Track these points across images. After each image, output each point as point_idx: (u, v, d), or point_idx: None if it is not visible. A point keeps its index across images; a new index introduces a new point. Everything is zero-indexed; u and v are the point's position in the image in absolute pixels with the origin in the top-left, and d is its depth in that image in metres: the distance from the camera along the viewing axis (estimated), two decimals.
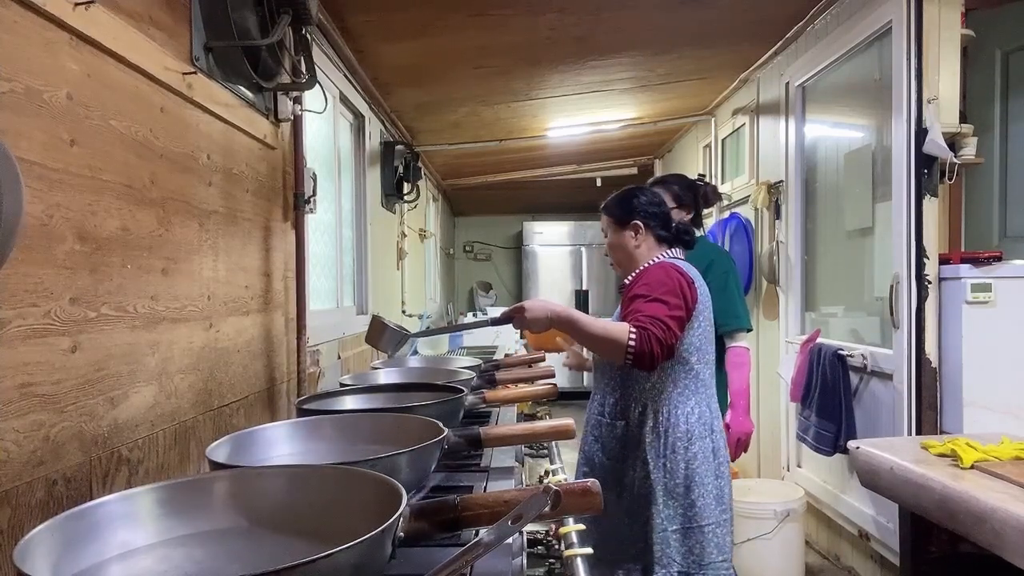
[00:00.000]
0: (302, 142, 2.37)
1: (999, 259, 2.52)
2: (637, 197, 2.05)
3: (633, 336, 1.68)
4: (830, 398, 2.94)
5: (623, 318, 1.83)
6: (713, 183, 2.16)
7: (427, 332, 2.34)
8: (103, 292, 1.30)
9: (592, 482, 0.89)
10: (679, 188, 2.73)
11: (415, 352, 3.99)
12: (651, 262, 1.99)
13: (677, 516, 1.86)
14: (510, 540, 1.01)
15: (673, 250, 2.03)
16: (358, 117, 3.68)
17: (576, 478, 1.93)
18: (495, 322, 1.87)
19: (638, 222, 2.01)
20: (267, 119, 2.16)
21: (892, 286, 2.70)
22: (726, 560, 1.89)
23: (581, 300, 8.14)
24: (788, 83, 3.68)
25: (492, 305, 8.28)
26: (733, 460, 2.27)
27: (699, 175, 2.16)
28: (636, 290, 1.84)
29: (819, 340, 3.17)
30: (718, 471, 1.90)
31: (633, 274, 1.99)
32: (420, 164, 4.81)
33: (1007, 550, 1.62)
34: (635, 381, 1.92)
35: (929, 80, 2.60)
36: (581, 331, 1.76)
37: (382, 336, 1.95)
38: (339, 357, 2.99)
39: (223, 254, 1.84)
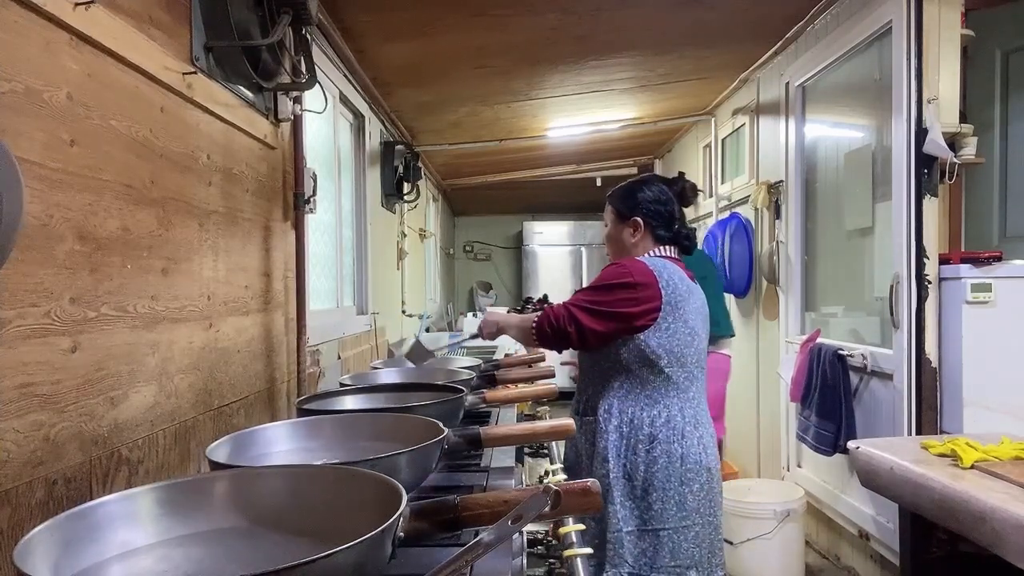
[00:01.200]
0: (302, 142, 2.37)
1: (999, 259, 2.52)
2: (643, 191, 2.01)
3: (535, 320, 1.90)
4: (830, 398, 2.94)
5: None
6: (692, 181, 2.12)
7: (452, 342, 2.71)
8: (103, 292, 1.30)
9: (592, 482, 0.89)
10: None
11: None
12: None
13: (633, 517, 1.83)
14: (510, 540, 1.01)
15: (665, 248, 1.99)
16: (358, 117, 3.68)
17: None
18: (473, 336, 2.18)
19: (638, 219, 1.99)
20: (267, 119, 2.16)
21: (892, 286, 2.70)
22: (679, 566, 1.82)
23: None
24: (788, 83, 3.68)
25: (492, 305, 8.28)
26: None
27: (679, 173, 2.11)
28: None
29: (819, 340, 3.17)
30: (684, 477, 1.84)
31: None
32: (420, 164, 4.81)
33: (1007, 550, 1.62)
34: (606, 379, 1.92)
35: (929, 80, 2.60)
36: (512, 328, 2.02)
37: (418, 354, 2.34)
38: (339, 357, 2.99)
39: (223, 254, 1.84)
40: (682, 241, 2.02)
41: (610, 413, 1.89)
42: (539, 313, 1.91)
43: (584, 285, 1.98)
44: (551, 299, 7.63)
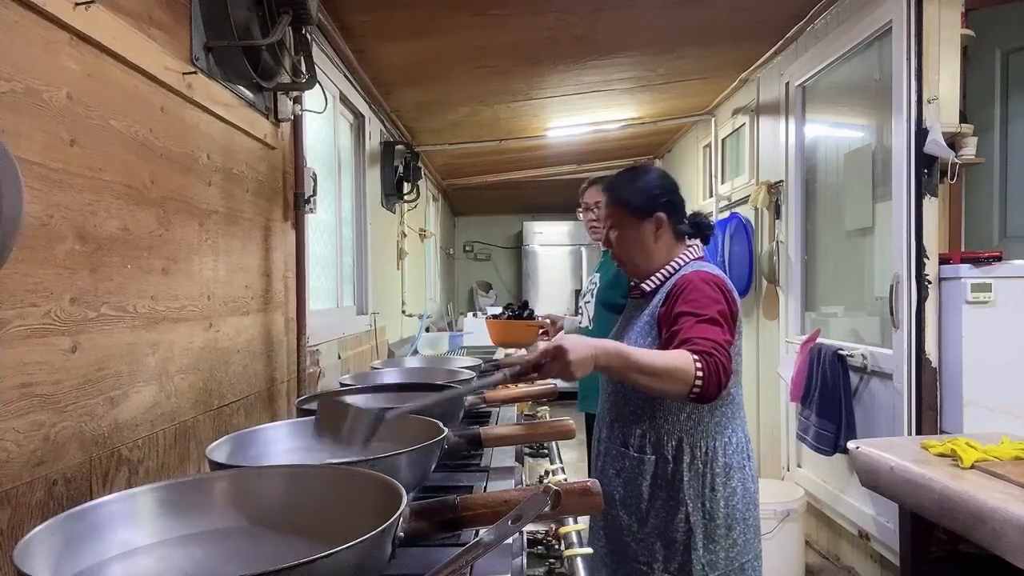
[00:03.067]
0: (302, 142, 2.37)
1: (999, 259, 2.52)
2: (649, 180, 1.75)
3: (700, 366, 1.41)
4: (830, 398, 2.94)
5: (666, 340, 1.56)
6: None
7: (412, 410, 1.30)
8: (103, 292, 1.30)
9: (592, 482, 0.90)
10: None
11: (415, 352, 3.99)
12: (676, 264, 1.73)
13: (719, 561, 1.64)
14: (510, 540, 1.01)
15: (693, 249, 1.77)
16: (358, 117, 3.68)
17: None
18: (516, 376, 1.38)
19: (662, 214, 1.72)
20: (267, 119, 2.16)
21: (892, 286, 2.70)
22: None
23: None
24: (788, 83, 3.68)
25: (492, 305, 8.27)
26: None
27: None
28: (682, 306, 1.57)
29: (819, 340, 3.17)
30: (755, 500, 1.71)
31: (654, 278, 1.74)
32: (420, 164, 4.81)
33: (1007, 550, 1.62)
34: (667, 411, 1.68)
35: (929, 80, 2.60)
36: (639, 366, 1.40)
37: (342, 423, 1.21)
38: (339, 357, 2.99)
39: (223, 254, 1.84)
40: (703, 230, 1.78)
41: (680, 450, 1.66)
42: (696, 360, 1.42)
43: (685, 308, 1.56)
44: (548, 304, 7.62)
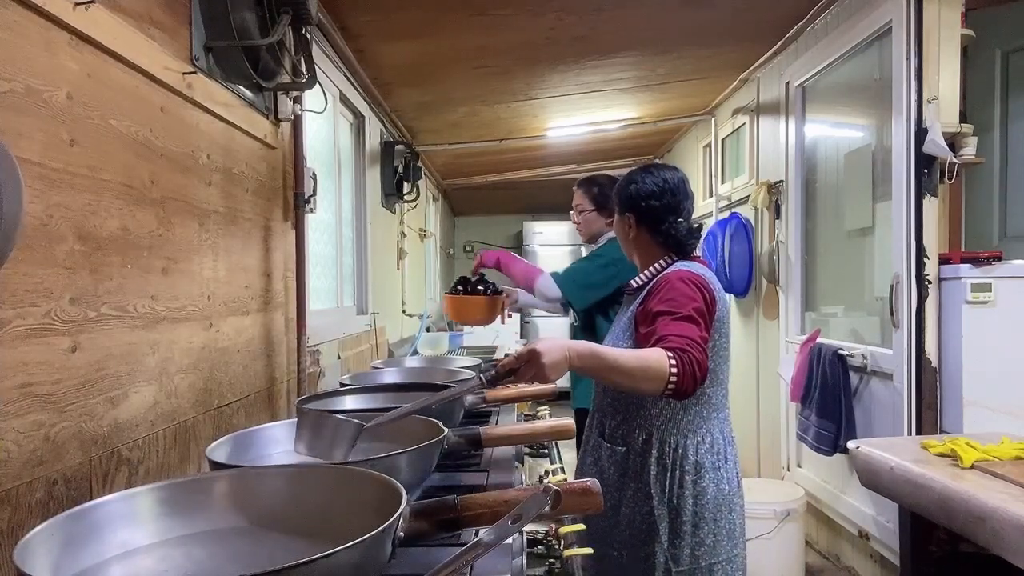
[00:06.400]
0: (302, 142, 2.37)
1: (999, 259, 2.52)
2: (636, 184, 1.80)
3: (674, 363, 1.40)
4: (830, 398, 2.94)
5: (643, 339, 1.57)
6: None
7: (391, 415, 1.27)
8: (103, 292, 1.30)
9: (592, 482, 0.90)
10: (599, 189, 2.64)
11: (415, 352, 3.99)
12: (664, 263, 1.77)
13: (684, 556, 1.65)
14: (510, 540, 1.01)
15: (669, 253, 1.79)
16: (358, 117, 3.68)
17: None
18: (492, 381, 1.32)
19: (630, 215, 1.80)
20: (267, 119, 2.16)
21: (892, 286, 2.70)
22: None
23: None
24: (788, 83, 3.68)
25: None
26: None
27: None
28: (658, 305, 1.58)
29: (819, 340, 3.17)
30: (731, 503, 1.69)
31: (641, 276, 1.79)
32: (420, 164, 4.81)
33: (1007, 550, 1.62)
34: (639, 405, 1.71)
35: (929, 80, 2.60)
36: (613, 366, 1.39)
37: (320, 435, 1.24)
38: (339, 357, 2.99)
39: (223, 254, 1.84)
40: (684, 243, 1.78)
41: (649, 444, 1.69)
42: (671, 357, 1.41)
43: (661, 307, 1.57)
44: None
